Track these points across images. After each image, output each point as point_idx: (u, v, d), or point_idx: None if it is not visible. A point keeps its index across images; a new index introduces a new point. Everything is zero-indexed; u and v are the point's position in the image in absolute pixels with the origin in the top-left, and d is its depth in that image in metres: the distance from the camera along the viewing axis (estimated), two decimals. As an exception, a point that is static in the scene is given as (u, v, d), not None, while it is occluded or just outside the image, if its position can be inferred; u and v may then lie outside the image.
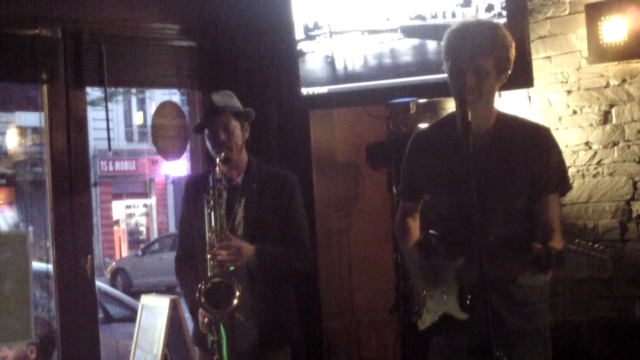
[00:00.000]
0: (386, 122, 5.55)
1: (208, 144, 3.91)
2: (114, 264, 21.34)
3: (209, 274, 3.68)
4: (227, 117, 3.86)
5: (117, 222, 27.07)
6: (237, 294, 3.62)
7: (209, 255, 3.69)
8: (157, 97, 23.72)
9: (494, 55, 3.06)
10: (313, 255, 4.23)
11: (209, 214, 3.74)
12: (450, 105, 5.13)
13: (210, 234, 3.72)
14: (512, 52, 3.12)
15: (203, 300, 3.62)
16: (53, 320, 4.72)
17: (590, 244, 2.75)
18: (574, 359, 4.52)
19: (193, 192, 4.03)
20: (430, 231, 3.28)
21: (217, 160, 3.80)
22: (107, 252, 25.07)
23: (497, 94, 3.25)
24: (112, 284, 18.99)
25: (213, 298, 3.64)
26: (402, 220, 3.51)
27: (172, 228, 26.87)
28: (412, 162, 3.42)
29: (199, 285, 3.64)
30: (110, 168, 26.14)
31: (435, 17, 4.69)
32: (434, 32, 4.66)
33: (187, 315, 4.23)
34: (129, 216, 27.91)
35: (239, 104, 3.97)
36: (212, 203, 3.74)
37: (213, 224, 3.72)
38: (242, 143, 3.93)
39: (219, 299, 3.64)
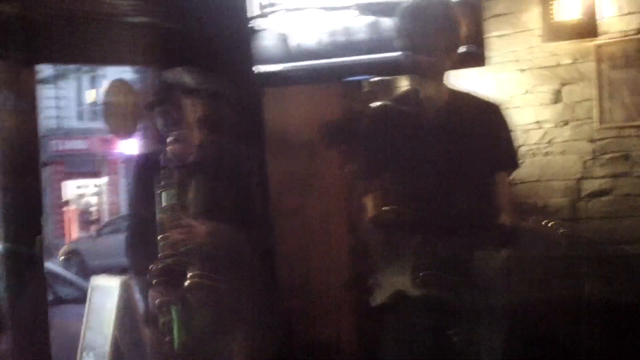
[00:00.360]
0: (340, 100, 5.55)
1: (158, 122, 3.88)
2: (66, 246, 21.08)
3: (160, 254, 3.66)
4: (178, 95, 3.84)
5: (67, 203, 26.81)
6: (189, 274, 3.60)
7: (159, 236, 3.67)
8: (110, 75, 23.49)
9: (445, 34, 3.09)
10: (269, 235, 4.23)
11: (160, 194, 3.71)
12: (403, 84, 5.14)
13: (161, 215, 3.70)
14: (464, 30, 3.16)
15: (154, 282, 3.61)
16: (1, 302, 4.65)
17: (545, 222, 2.79)
18: (530, 338, 4.59)
19: (143, 171, 4.00)
20: (385, 208, 3.29)
21: (170, 139, 3.77)
22: (57, 233, 24.82)
23: (449, 71, 3.27)
24: (66, 266, 18.80)
25: (164, 279, 3.63)
26: (360, 197, 3.52)
27: (124, 209, 26.67)
28: (369, 138, 3.43)
29: (150, 267, 3.62)
30: (61, 147, 25.87)
31: (390, -6, 4.70)
32: (388, 9, 4.65)
33: (138, 296, 4.21)
34: (80, 196, 27.65)
35: (190, 80, 3.94)
36: (162, 183, 3.71)
37: (164, 204, 3.70)
38: (195, 121, 3.91)
39: (172, 281, 3.63)
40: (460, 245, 3.01)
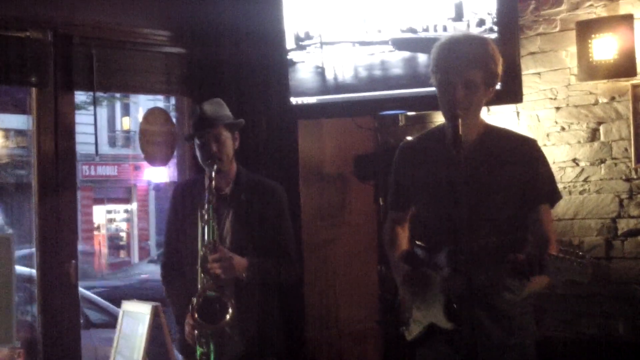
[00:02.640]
0: (374, 134, 5.57)
1: (198, 154, 3.92)
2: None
3: (199, 286, 3.69)
4: (219, 128, 3.88)
5: (97, 228, 26.94)
6: (230, 310, 3.65)
7: (199, 268, 3.71)
8: (142, 102, 23.68)
9: (483, 69, 3.11)
10: (300, 268, 4.26)
11: (203, 227, 3.75)
12: (438, 119, 5.15)
13: (203, 248, 3.73)
14: (500, 67, 3.17)
15: (196, 315, 3.65)
16: (35, 325, 4.69)
17: (571, 250, 2.79)
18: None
19: (180, 198, 4.04)
20: (416, 242, 3.32)
21: (211, 172, 3.80)
22: (86, 258, 24.94)
23: (485, 108, 3.30)
24: None
25: (206, 312, 3.66)
26: (391, 230, 3.55)
27: (153, 234, 26.77)
28: (399, 172, 3.47)
29: (192, 299, 3.66)
30: (92, 172, 26.03)
31: (426, 30, 4.72)
32: (424, 45, 4.67)
33: (170, 324, 4.24)
34: (110, 221, 27.78)
35: (229, 113, 3.99)
36: (206, 217, 3.75)
37: (206, 237, 3.73)
38: (233, 154, 3.95)
39: (212, 314, 3.67)
40: (488, 276, 3.02)
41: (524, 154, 3.20)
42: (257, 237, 3.89)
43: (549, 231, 3.18)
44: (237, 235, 3.87)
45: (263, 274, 3.84)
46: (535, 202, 3.18)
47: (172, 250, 4.06)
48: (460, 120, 3.01)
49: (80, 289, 5.50)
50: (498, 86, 3.25)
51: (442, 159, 3.18)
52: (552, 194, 3.25)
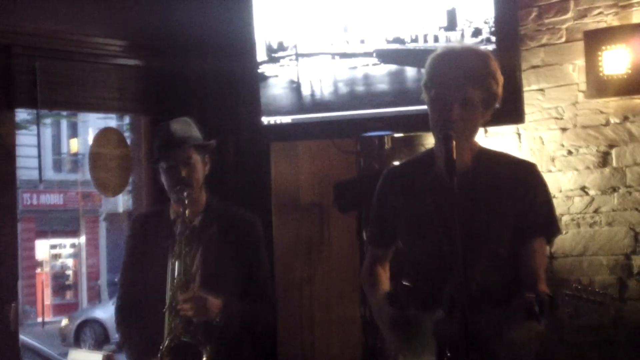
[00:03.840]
0: (357, 158, 5.56)
1: (165, 180, 3.89)
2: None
3: (166, 331, 3.67)
4: (189, 150, 3.86)
5: (40, 265, 26.76)
6: (204, 357, 3.64)
7: (167, 309, 3.69)
8: (92, 121, 23.63)
9: (483, 88, 3.11)
10: (276, 311, 4.25)
11: (173, 263, 3.73)
12: (429, 141, 5.16)
13: (173, 286, 3.72)
14: (501, 88, 3.18)
15: None
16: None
17: (589, 288, 2.79)
18: None
19: (140, 232, 4.02)
20: (401, 281, 3.31)
21: (183, 200, 3.78)
22: (28, 299, 24.74)
23: (482, 129, 3.31)
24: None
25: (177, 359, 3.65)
26: (371, 269, 3.54)
27: (104, 272, 26.62)
28: (383, 203, 3.46)
29: (161, 346, 3.64)
30: (35, 201, 25.88)
31: (415, 40, 4.73)
32: (413, 57, 4.69)
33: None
34: (54, 257, 27.61)
35: (199, 134, 3.98)
36: (178, 251, 3.74)
37: (177, 274, 3.72)
38: (203, 180, 3.94)
39: None
40: (488, 320, 3.01)
41: (520, 179, 3.20)
42: (230, 276, 3.88)
43: (539, 268, 3.18)
44: (207, 274, 3.85)
45: (239, 317, 3.83)
46: (529, 235, 3.18)
47: (129, 292, 4.03)
48: (454, 143, 3.01)
49: (21, 336, 5.45)
50: (497, 104, 3.26)
51: (432, 187, 3.18)
52: (550, 227, 3.25)
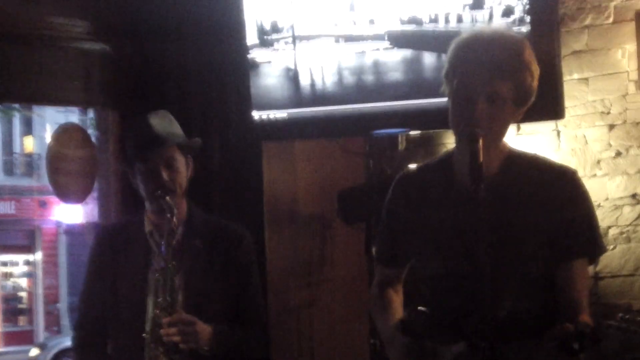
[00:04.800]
0: (366, 160, 5.58)
1: (141, 184, 3.87)
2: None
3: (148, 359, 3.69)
4: (171, 149, 3.86)
5: (-14, 286, 26.84)
6: None
7: (148, 335, 3.70)
8: (49, 116, 23.66)
9: (515, 81, 3.10)
10: (269, 339, 4.26)
11: (157, 281, 3.74)
12: (451, 140, 5.18)
13: (155, 308, 3.72)
14: (536, 81, 3.18)
15: None
16: None
17: (638, 319, 2.79)
18: None
19: (107, 248, 4.02)
20: (418, 307, 3.30)
21: (167, 205, 3.77)
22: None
23: (514, 125, 3.30)
24: None
25: None
26: (380, 292, 3.53)
27: (65, 295, 26.64)
28: (394, 214, 3.45)
29: None
30: (-19, 211, 25.94)
31: (434, 21, 4.74)
32: (432, 41, 4.71)
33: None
34: (5, 276, 27.66)
35: (181, 131, 3.98)
36: (161, 266, 3.75)
37: (160, 295, 3.72)
38: (186, 184, 3.94)
39: None
40: (518, 354, 3.02)
41: (556, 188, 3.20)
42: (217, 299, 3.89)
43: (580, 294, 3.17)
44: (191, 295, 3.86)
45: (230, 345, 3.84)
46: (567, 255, 3.17)
47: (92, 319, 4.03)
48: (481, 143, 3.01)
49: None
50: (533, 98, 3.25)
51: (453, 196, 3.18)
52: (592, 245, 3.24)
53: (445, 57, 3.25)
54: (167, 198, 3.76)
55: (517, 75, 3.10)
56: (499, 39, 3.18)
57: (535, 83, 3.15)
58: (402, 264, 3.49)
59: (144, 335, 3.72)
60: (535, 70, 3.14)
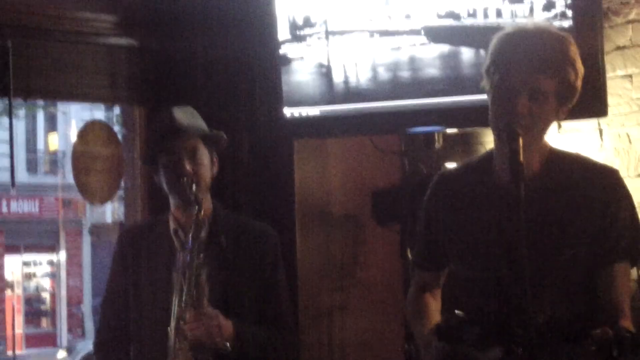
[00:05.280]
0: (401, 159, 5.57)
1: (164, 176, 3.90)
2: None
3: (172, 357, 3.70)
4: (195, 141, 3.88)
5: (10, 286, 26.93)
6: None
7: (172, 329, 3.71)
8: (74, 113, 23.78)
9: (559, 78, 3.09)
10: (296, 342, 4.25)
11: (183, 276, 3.75)
12: (490, 139, 5.16)
13: (180, 306, 3.73)
14: (581, 79, 3.16)
15: None
16: None
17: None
18: None
19: (131, 249, 4.03)
20: (455, 312, 3.29)
21: (191, 197, 3.78)
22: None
23: (553, 125, 3.28)
24: None
25: None
26: (417, 297, 3.53)
27: (88, 296, 26.75)
28: (432, 216, 3.45)
29: None
30: (4, 210, 26.05)
31: (473, 15, 4.72)
32: (470, 36, 4.68)
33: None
34: (28, 277, 27.79)
35: (205, 125, 3.99)
36: (188, 262, 3.75)
37: (186, 293, 3.73)
38: (211, 180, 3.95)
39: None
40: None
41: (598, 189, 3.18)
42: (242, 298, 3.90)
43: (623, 299, 3.16)
44: (215, 294, 3.86)
45: (254, 345, 3.85)
46: (609, 259, 3.16)
47: (114, 324, 4.05)
48: (521, 142, 2.99)
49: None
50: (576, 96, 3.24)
51: (492, 197, 3.17)
52: (635, 248, 3.23)
53: (484, 53, 3.24)
54: (194, 187, 3.76)
55: (560, 72, 3.09)
56: (543, 34, 3.17)
57: (579, 81, 3.14)
58: (441, 268, 3.50)
59: (168, 329, 3.72)
60: (580, 67, 3.13)
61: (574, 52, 3.13)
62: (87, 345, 20.44)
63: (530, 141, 3.11)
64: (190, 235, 3.77)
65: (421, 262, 3.56)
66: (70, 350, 20.67)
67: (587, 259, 3.14)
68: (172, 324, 3.73)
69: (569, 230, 3.13)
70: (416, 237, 3.58)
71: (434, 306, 3.51)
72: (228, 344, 3.75)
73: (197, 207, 3.77)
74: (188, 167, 3.81)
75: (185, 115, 3.91)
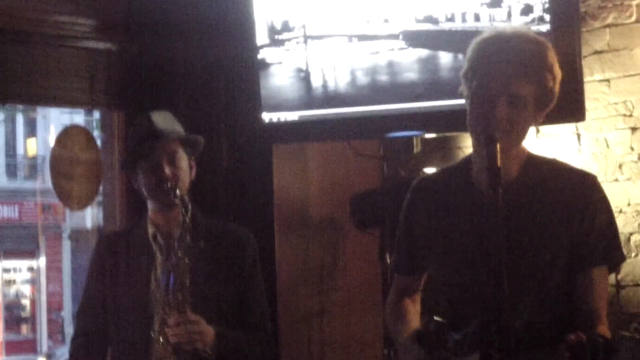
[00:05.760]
0: (379, 164, 5.58)
1: (144, 182, 3.90)
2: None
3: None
4: (173, 144, 3.89)
5: (-13, 292, 26.84)
6: None
7: (155, 334, 3.72)
8: (53, 118, 23.72)
9: (537, 83, 3.10)
10: (275, 347, 4.25)
11: (167, 279, 3.75)
12: (468, 144, 5.17)
13: (164, 308, 3.73)
14: (558, 85, 3.17)
15: None
16: None
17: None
18: None
19: (109, 256, 4.03)
20: (434, 317, 3.29)
21: (173, 200, 3.79)
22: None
23: (531, 129, 3.29)
24: None
25: None
26: (397, 302, 3.52)
27: (69, 302, 26.68)
28: (412, 221, 3.44)
29: None
30: (-18, 215, 25.97)
31: (451, 19, 4.73)
32: (449, 40, 4.69)
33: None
34: (7, 283, 27.69)
35: (182, 129, 4.00)
36: (177, 264, 3.75)
37: (171, 294, 3.73)
38: (189, 185, 3.96)
39: None
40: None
41: (577, 196, 3.18)
42: (220, 301, 3.90)
43: (600, 305, 3.16)
44: (193, 297, 3.86)
45: (233, 350, 3.85)
46: (586, 263, 3.16)
47: (90, 326, 4.05)
48: (498, 147, 3.00)
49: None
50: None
51: (470, 202, 3.17)
52: (612, 252, 3.22)
53: (462, 57, 3.24)
54: (177, 191, 3.77)
55: (538, 77, 3.10)
56: (521, 39, 3.17)
57: (557, 86, 3.14)
58: (420, 273, 3.49)
59: (151, 334, 3.73)
60: (558, 72, 3.14)
61: (552, 57, 3.14)
62: (66, 352, 20.37)
63: (509, 146, 3.11)
64: (177, 238, 3.77)
65: (400, 267, 3.56)
66: (49, 356, 20.57)
67: (565, 264, 3.14)
68: (156, 327, 3.74)
69: (547, 234, 3.13)
70: (395, 242, 3.57)
71: (413, 311, 3.50)
72: (208, 349, 3.76)
73: (183, 209, 3.77)
74: (168, 170, 3.82)
75: (164, 120, 3.92)
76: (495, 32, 3.22)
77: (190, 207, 3.78)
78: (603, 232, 3.17)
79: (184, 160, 3.90)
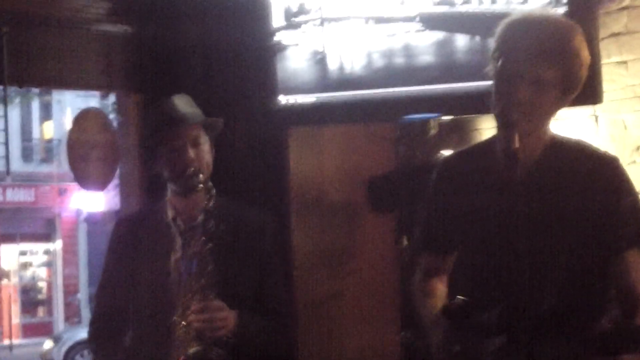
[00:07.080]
0: (395, 146, 5.56)
1: (166, 166, 3.88)
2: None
3: (179, 344, 3.69)
4: (196, 128, 3.87)
5: (6, 275, 26.90)
6: None
7: (179, 321, 3.71)
8: (69, 101, 23.73)
9: (562, 68, 3.08)
10: (293, 331, 4.25)
11: (190, 264, 3.74)
12: (483, 126, 5.15)
13: (188, 294, 3.72)
14: (585, 70, 3.14)
15: None
16: None
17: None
18: None
19: (128, 238, 4.03)
20: (458, 296, 3.28)
21: (193, 188, 3.78)
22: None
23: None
24: None
25: None
26: (424, 281, 3.51)
27: (85, 285, 26.75)
28: (441, 199, 3.43)
29: None
30: (0, 198, 26.00)
31: (468, 1, 4.72)
32: (465, 23, 4.68)
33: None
34: (24, 266, 27.75)
35: (201, 112, 3.99)
36: (201, 250, 3.75)
37: (194, 280, 3.72)
38: (211, 167, 3.95)
39: None
40: (558, 352, 3.00)
41: (600, 178, 3.17)
42: (239, 285, 3.90)
43: (638, 287, 3.15)
44: (214, 282, 3.86)
45: (253, 334, 3.84)
46: (617, 248, 3.15)
47: (109, 307, 4.04)
48: (517, 129, 2.98)
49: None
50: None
51: (494, 184, 3.16)
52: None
53: (479, 39, 3.24)
54: (200, 176, 3.76)
55: (564, 62, 3.08)
56: (549, 22, 3.16)
57: (584, 71, 3.12)
58: (448, 252, 3.46)
59: (174, 318, 3.73)
60: (586, 57, 3.12)
61: (580, 42, 3.12)
62: (75, 335, 20.44)
63: (531, 129, 3.11)
64: (200, 223, 3.78)
65: (430, 244, 3.52)
66: (57, 339, 20.62)
67: (590, 247, 3.13)
68: (179, 312, 3.74)
69: (569, 217, 3.12)
70: (423, 220, 3.55)
71: (442, 289, 3.48)
72: (231, 335, 3.76)
73: (207, 194, 3.78)
74: (192, 154, 3.82)
75: (185, 104, 3.91)
76: (525, 14, 3.23)
77: (213, 192, 3.78)
78: (631, 215, 3.16)
79: (206, 144, 3.89)
